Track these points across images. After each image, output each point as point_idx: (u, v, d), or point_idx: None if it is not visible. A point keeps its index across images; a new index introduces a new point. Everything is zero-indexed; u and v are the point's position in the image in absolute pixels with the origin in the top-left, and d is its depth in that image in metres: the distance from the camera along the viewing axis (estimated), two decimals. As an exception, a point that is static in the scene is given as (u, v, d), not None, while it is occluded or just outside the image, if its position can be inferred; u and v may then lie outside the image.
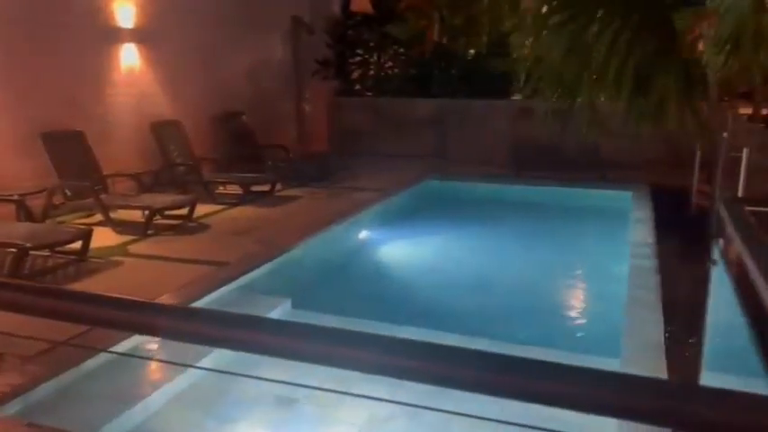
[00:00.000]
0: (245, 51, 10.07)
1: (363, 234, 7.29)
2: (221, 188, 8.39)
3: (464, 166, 10.60)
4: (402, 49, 11.68)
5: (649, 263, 5.35)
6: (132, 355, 3.65)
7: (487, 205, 8.82)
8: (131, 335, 3.61)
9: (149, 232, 6.34)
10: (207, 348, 3.53)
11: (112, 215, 6.63)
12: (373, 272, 6.37)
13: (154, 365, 3.72)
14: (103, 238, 6.05)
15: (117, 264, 5.42)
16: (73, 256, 5.50)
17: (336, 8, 12.17)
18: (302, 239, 6.11)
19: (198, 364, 3.49)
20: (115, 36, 7.62)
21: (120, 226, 6.49)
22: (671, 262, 5.43)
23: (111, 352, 3.42)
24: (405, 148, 11.56)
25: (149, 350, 3.66)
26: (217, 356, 3.54)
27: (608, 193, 8.73)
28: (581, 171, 10.00)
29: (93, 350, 3.47)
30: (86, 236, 5.46)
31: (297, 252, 5.87)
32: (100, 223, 6.58)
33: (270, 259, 5.55)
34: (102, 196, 6.60)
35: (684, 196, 8.09)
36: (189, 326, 1.31)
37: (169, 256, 5.69)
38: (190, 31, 8.74)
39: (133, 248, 5.89)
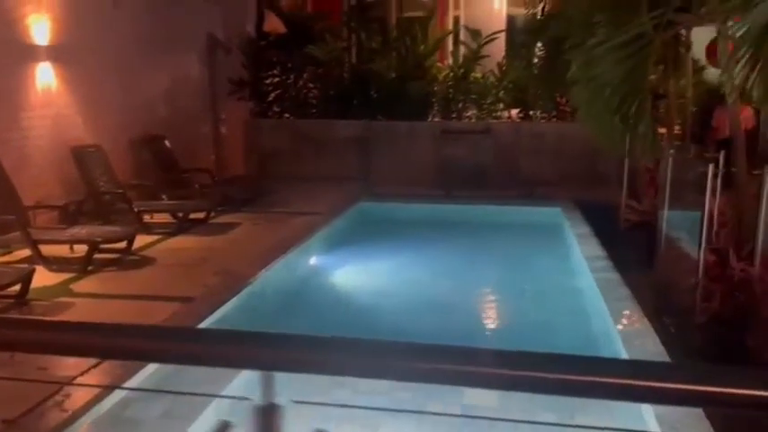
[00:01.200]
0: (162, 70, 9.53)
1: (319, 260, 7.08)
2: (148, 217, 7.83)
3: (390, 186, 10.61)
4: (321, 70, 11.54)
5: (613, 275, 5.58)
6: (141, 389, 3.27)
7: (426, 226, 8.84)
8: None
9: (89, 268, 5.77)
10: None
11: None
12: (344, 299, 6.18)
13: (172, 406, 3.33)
14: (38, 277, 5.40)
15: (66, 306, 4.86)
16: (11, 300, 4.87)
17: (251, 28, 11.85)
18: (262, 269, 5.80)
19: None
20: (30, 54, 6.93)
21: (53, 263, 5.84)
22: (631, 274, 5.66)
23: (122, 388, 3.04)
24: (326, 169, 11.40)
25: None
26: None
27: (539, 210, 9.06)
28: (505, 188, 10.36)
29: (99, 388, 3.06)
30: (28, 277, 4.86)
31: (261, 283, 5.58)
32: (23, 261, 5.92)
33: (236, 292, 5.23)
34: (29, 230, 5.92)
35: (610, 211, 8.54)
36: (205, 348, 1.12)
37: (122, 293, 5.20)
38: (107, 48, 8.14)
39: (78, 287, 5.32)
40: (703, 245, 4.87)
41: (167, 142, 9.13)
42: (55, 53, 7.23)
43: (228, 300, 5.04)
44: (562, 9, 6.25)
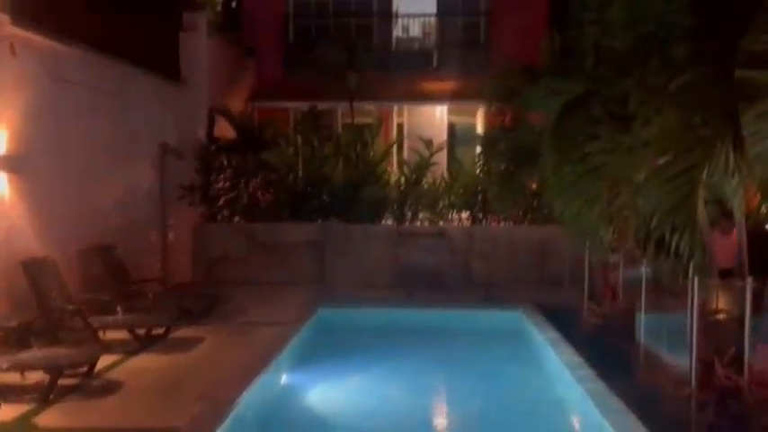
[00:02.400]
0: (114, 178, 9.25)
1: (291, 378, 6.77)
2: (101, 333, 7.31)
3: (346, 290, 10.51)
4: (274, 175, 11.54)
5: (600, 385, 5.59)
6: None
7: (390, 334, 8.66)
8: None
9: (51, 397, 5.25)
10: None
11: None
12: (322, 420, 5.86)
13: None
14: (-9, 411, 4.87)
15: (35, 446, 4.36)
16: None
17: (202, 134, 11.83)
18: (242, 392, 5.45)
19: None
20: (-16, 164, 6.59)
21: (5, 393, 5.28)
22: (614, 383, 5.68)
23: None
24: (280, 274, 11.20)
25: None
26: None
27: (501, 313, 9.12)
28: (461, 290, 10.48)
29: None
30: (-9, 414, 4.36)
31: (245, 408, 5.24)
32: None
33: (222, 420, 4.87)
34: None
35: (570, 313, 8.72)
36: None
37: (97, 427, 4.74)
38: (61, 157, 7.87)
39: (43, 422, 4.81)
40: (694, 354, 5.01)
41: (118, 251, 8.73)
42: (10, 163, 6.90)
43: (216, 430, 4.68)
44: (533, 124, 6.63)
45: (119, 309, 7.68)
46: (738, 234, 4.80)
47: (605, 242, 5.07)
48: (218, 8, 18.77)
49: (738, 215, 4.94)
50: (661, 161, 3.49)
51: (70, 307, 6.92)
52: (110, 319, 7.28)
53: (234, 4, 18.78)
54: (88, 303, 7.60)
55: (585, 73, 5.19)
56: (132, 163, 9.92)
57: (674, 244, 3.49)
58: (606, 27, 4.29)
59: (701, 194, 3.25)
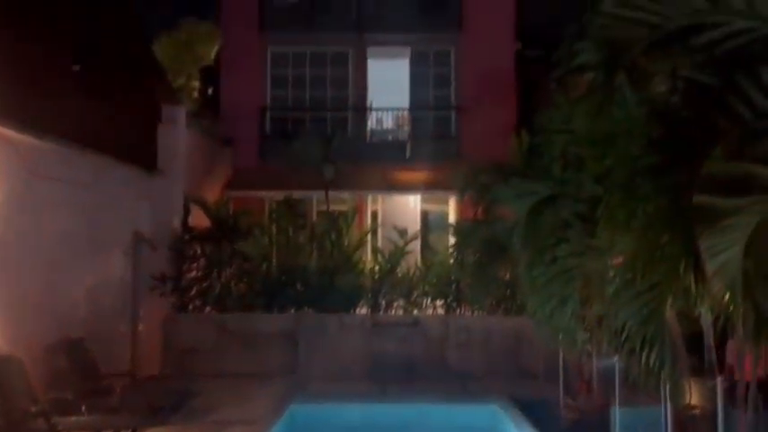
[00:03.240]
0: (87, 270, 9.16)
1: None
2: (63, 433, 7.01)
3: (321, 383, 10.32)
4: (247, 264, 11.52)
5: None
6: None
7: (365, 431, 8.49)
8: None
9: None
10: None
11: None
12: None
13: None
14: None
15: None
16: None
17: (177, 223, 11.84)
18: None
19: None
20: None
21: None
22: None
23: None
24: (253, 366, 10.97)
25: None
26: None
27: (477, 408, 8.99)
28: (436, 382, 10.37)
29: None
30: None
31: None
32: None
33: None
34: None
35: (546, 408, 8.64)
36: None
37: None
38: (33, 250, 7.81)
39: None
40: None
41: (86, 344, 8.52)
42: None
43: None
44: (500, 215, 6.84)
45: (83, 408, 7.42)
46: (706, 338, 4.89)
47: (579, 342, 5.14)
48: (195, 94, 19.23)
49: (707, 319, 5.06)
50: (628, 277, 3.62)
51: (33, 408, 6.68)
52: (73, 420, 6.98)
53: (210, 91, 19.27)
54: (52, 402, 7.34)
55: (554, 177, 5.41)
56: (105, 253, 9.85)
57: (644, 356, 3.57)
58: (572, 137, 4.55)
59: (669, 309, 3.37)
